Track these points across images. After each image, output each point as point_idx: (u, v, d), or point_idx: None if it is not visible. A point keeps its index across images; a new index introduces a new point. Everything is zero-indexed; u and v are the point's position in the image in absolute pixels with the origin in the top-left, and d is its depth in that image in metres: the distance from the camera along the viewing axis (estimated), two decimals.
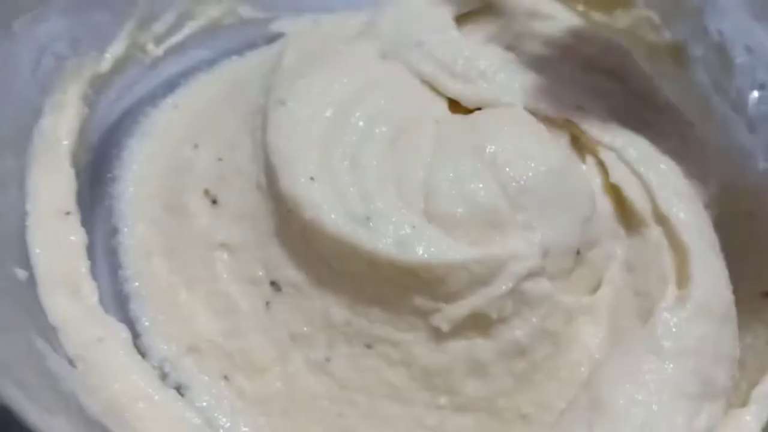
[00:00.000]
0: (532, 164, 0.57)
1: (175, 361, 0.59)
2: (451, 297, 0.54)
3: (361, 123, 0.60)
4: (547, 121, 0.63)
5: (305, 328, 0.58)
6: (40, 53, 0.61)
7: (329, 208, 0.54)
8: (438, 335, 0.55)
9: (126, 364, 0.53)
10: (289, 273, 0.59)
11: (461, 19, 0.70)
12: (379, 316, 0.56)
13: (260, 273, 0.60)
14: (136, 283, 0.63)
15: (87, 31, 0.66)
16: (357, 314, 0.57)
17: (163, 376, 0.58)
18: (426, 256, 0.53)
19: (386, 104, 0.61)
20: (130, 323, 0.59)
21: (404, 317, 0.56)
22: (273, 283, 0.59)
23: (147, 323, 0.61)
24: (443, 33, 0.66)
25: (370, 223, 0.54)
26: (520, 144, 0.59)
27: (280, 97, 0.61)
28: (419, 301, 0.55)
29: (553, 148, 0.60)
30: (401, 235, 0.54)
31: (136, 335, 0.58)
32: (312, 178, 0.56)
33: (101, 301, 0.57)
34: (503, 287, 0.54)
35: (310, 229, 0.55)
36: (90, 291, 0.56)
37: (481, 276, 0.53)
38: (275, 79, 0.64)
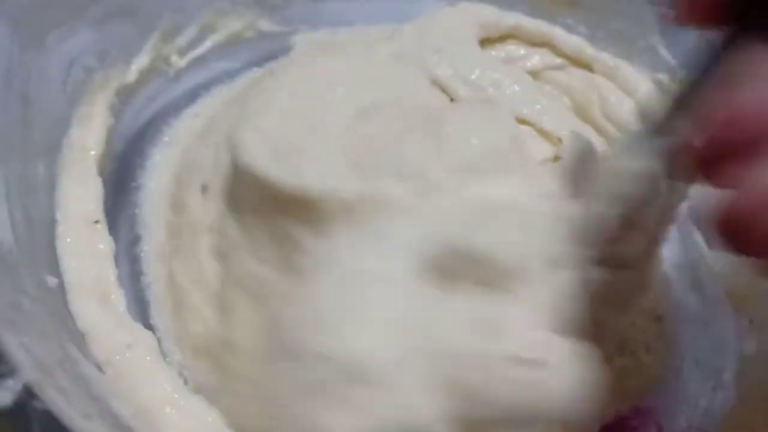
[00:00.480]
0: (472, 139, 0.53)
1: (189, 366, 0.59)
2: (318, 224, 0.51)
3: (340, 90, 0.58)
4: (541, 132, 0.63)
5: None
6: (70, 66, 0.62)
7: (258, 152, 0.54)
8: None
9: (153, 370, 0.54)
10: (233, 235, 0.57)
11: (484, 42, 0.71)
12: (272, 260, 0.54)
13: (223, 249, 0.59)
14: (155, 289, 0.63)
15: (114, 43, 0.67)
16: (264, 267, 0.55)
17: (185, 381, 0.58)
18: (305, 179, 0.51)
19: (377, 86, 0.59)
20: (150, 329, 0.60)
21: (287, 254, 0.53)
22: (222, 254, 0.58)
23: (164, 328, 0.61)
24: (465, 46, 0.66)
25: (284, 159, 0.53)
26: (468, 120, 0.55)
27: (274, 72, 0.61)
28: (292, 228, 0.53)
29: (500, 130, 0.56)
30: (299, 165, 0.52)
31: (157, 341, 0.59)
32: (258, 128, 0.55)
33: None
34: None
35: (242, 178, 0.54)
36: (118, 298, 0.57)
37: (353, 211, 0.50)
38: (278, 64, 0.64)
